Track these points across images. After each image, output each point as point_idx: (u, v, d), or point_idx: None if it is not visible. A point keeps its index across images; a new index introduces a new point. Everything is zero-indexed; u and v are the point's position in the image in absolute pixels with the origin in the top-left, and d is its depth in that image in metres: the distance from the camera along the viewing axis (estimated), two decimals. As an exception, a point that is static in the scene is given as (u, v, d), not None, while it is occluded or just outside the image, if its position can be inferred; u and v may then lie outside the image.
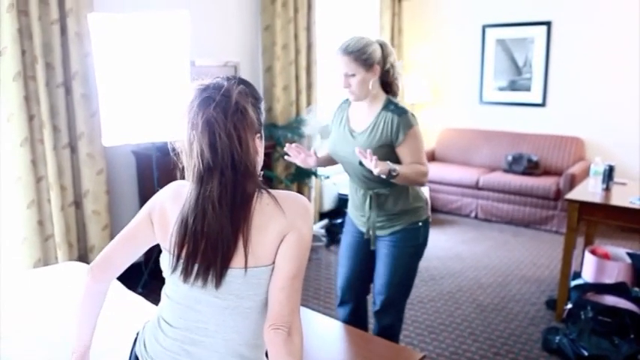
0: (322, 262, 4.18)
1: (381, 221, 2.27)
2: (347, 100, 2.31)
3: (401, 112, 2.12)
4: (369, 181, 2.20)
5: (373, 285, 2.40)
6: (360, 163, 2.08)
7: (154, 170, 3.33)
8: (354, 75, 2.10)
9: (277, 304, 1.18)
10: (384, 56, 2.18)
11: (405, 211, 2.25)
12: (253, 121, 1.22)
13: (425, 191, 2.40)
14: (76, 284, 2.33)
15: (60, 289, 2.29)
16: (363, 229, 2.33)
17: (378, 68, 2.14)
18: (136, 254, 1.38)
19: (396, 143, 2.12)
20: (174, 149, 1.24)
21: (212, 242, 1.17)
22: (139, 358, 1.32)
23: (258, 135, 1.26)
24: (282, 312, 1.17)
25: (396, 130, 2.11)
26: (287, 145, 2.27)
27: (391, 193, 2.22)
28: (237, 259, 1.19)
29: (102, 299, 1.41)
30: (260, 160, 1.29)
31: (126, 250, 1.36)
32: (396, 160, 2.12)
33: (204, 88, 1.20)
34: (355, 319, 2.47)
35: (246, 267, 1.19)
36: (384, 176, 2.00)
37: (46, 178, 3.07)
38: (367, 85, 2.12)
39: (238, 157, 1.17)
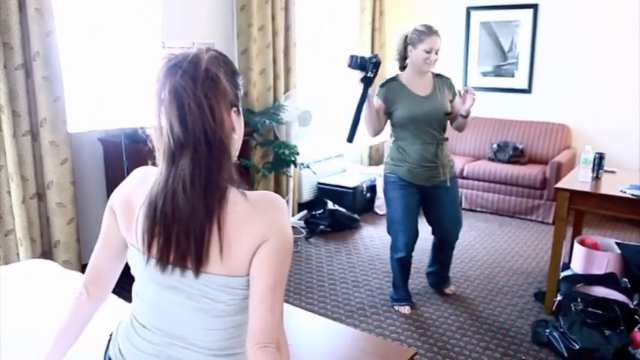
0: (303, 256, 4.03)
1: (444, 168, 3.03)
2: (390, 79, 3.02)
3: (447, 78, 3.09)
4: (437, 132, 3.00)
5: (439, 225, 3.18)
6: (445, 114, 2.98)
7: (124, 159, 3.13)
8: (438, 51, 2.90)
9: (259, 319, 1.07)
10: None
11: (450, 163, 3.10)
12: (227, 91, 1.08)
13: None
14: (40, 283, 2.16)
15: (23, 289, 2.13)
16: (429, 183, 3.00)
17: None
18: (120, 259, 1.27)
19: (452, 98, 3.06)
20: (146, 135, 1.12)
21: (184, 227, 1.06)
22: None
23: (235, 109, 1.13)
24: (267, 327, 1.07)
25: (452, 89, 3.07)
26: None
27: (443, 145, 3.05)
28: (212, 261, 1.07)
29: (87, 323, 1.32)
30: (238, 138, 1.16)
31: (108, 258, 1.26)
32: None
33: (171, 58, 1.07)
34: (409, 264, 3.20)
35: (220, 273, 1.09)
36: (463, 113, 2.96)
37: (5, 168, 2.85)
38: None
39: (211, 131, 1.04)
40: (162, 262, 1.10)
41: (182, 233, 1.06)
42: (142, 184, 1.16)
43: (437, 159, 2.98)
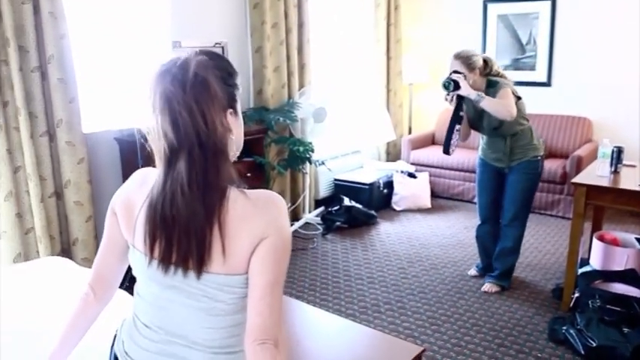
0: (319, 252, 4.02)
1: (512, 155, 3.21)
2: None
3: (494, 84, 3.12)
4: (498, 132, 3.18)
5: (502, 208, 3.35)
6: (494, 128, 3.16)
7: (139, 157, 3.16)
8: (455, 72, 3.10)
9: (258, 316, 1.08)
10: (489, 65, 3.20)
11: (523, 150, 3.19)
12: (217, 95, 1.08)
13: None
14: (59, 280, 2.20)
15: (42, 285, 2.17)
16: (499, 165, 3.29)
17: (477, 72, 3.12)
18: (124, 260, 1.28)
19: None
20: (142, 135, 1.14)
21: (184, 229, 1.07)
22: (119, 357, 1.25)
23: (231, 110, 1.13)
24: (265, 324, 1.08)
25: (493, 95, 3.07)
26: None
27: (514, 137, 3.18)
28: (214, 260, 1.08)
29: (93, 322, 1.34)
30: (236, 138, 1.16)
31: (112, 258, 1.28)
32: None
33: (163, 63, 1.09)
34: (491, 234, 3.45)
35: (220, 272, 1.10)
36: (473, 97, 3.01)
37: (24, 168, 2.91)
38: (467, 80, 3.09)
39: (204, 136, 1.05)
40: (165, 263, 1.11)
41: (183, 235, 1.07)
42: (142, 185, 1.17)
43: (504, 149, 3.22)
